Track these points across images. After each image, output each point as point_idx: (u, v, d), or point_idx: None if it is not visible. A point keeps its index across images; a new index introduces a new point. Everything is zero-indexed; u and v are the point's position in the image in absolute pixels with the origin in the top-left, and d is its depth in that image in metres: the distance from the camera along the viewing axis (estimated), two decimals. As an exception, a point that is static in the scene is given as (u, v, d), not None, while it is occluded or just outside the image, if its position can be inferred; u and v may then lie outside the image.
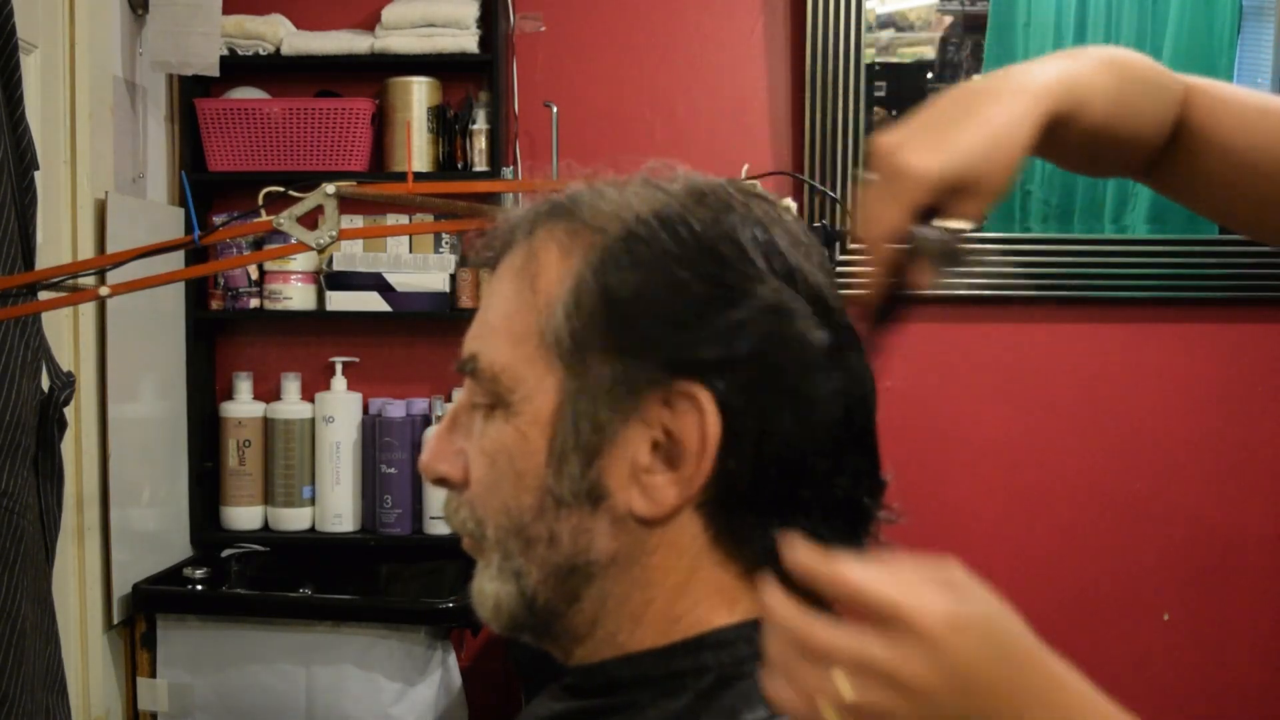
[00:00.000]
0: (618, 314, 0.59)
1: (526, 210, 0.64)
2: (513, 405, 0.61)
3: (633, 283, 0.59)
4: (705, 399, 0.58)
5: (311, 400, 2.30)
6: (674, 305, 0.58)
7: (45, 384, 1.51)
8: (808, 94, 2.26)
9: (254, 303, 2.29)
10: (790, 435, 0.59)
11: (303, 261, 2.25)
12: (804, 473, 0.59)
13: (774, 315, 0.59)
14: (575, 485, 0.59)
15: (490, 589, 0.63)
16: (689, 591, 0.61)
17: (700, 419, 0.58)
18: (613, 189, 0.63)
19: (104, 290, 1.16)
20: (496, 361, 0.61)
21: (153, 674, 2.04)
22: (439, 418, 2.25)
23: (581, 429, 0.59)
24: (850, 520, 0.62)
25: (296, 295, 2.26)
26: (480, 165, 2.24)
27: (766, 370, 0.58)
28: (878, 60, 2.30)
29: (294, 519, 2.29)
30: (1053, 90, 0.65)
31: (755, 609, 0.61)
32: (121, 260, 1.17)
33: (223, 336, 2.41)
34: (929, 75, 2.34)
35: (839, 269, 2.27)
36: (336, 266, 2.26)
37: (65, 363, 1.80)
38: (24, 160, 1.47)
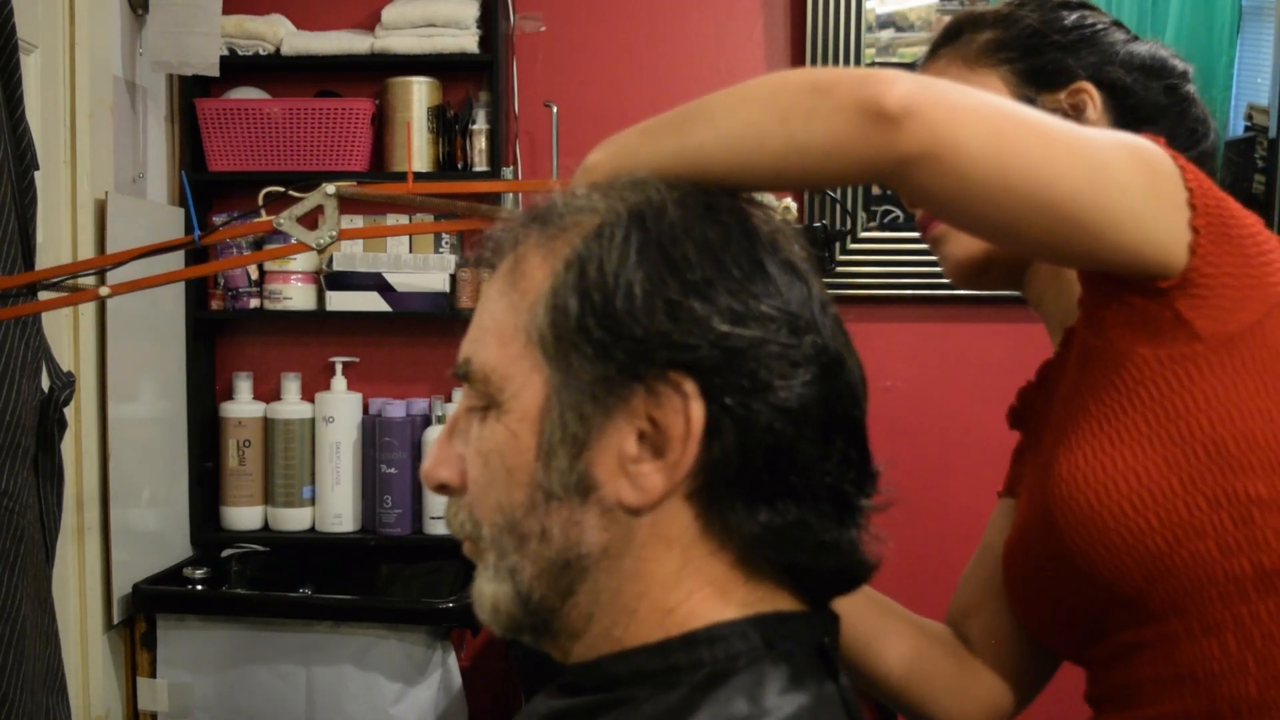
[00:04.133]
0: (594, 306, 0.59)
1: (516, 218, 0.66)
2: (503, 404, 0.62)
3: (607, 275, 0.60)
4: (688, 386, 0.58)
5: (311, 400, 2.30)
6: (649, 296, 0.59)
7: (45, 384, 1.51)
8: (808, 94, 2.25)
9: (254, 303, 2.29)
10: (774, 421, 0.59)
11: (303, 261, 2.25)
12: (791, 459, 0.60)
13: (750, 304, 0.60)
14: (564, 479, 0.60)
15: (488, 590, 0.64)
16: (681, 583, 0.61)
17: (684, 406, 0.58)
18: (593, 189, 0.65)
19: (104, 290, 1.16)
20: (487, 363, 0.63)
21: (153, 674, 2.04)
22: (439, 418, 2.25)
23: (567, 422, 0.60)
24: (839, 508, 0.62)
25: (296, 295, 2.26)
26: (480, 165, 2.24)
27: (747, 357, 0.59)
28: (878, 60, 2.30)
29: (294, 519, 2.29)
30: (602, 166, 0.71)
31: (749, 602, 0.62)
32: (121, 260, 1.17)
33: (223, 336, 2.41)
34: (929, 75, 2.33)
35: (838, 268, 2.28)
36: (336, 266, 2.26)
37: (65, 363, 1.80)
38: (24, 160, 1.47)
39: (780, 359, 0.59)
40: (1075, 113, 0.91)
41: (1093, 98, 0.91)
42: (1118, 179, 0.70)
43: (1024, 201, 0.68)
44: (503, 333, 0.63)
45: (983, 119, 0.67)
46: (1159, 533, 0.74)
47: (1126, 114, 0.92)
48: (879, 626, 0.97)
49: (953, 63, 0.95)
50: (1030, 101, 0.91)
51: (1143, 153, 0.72)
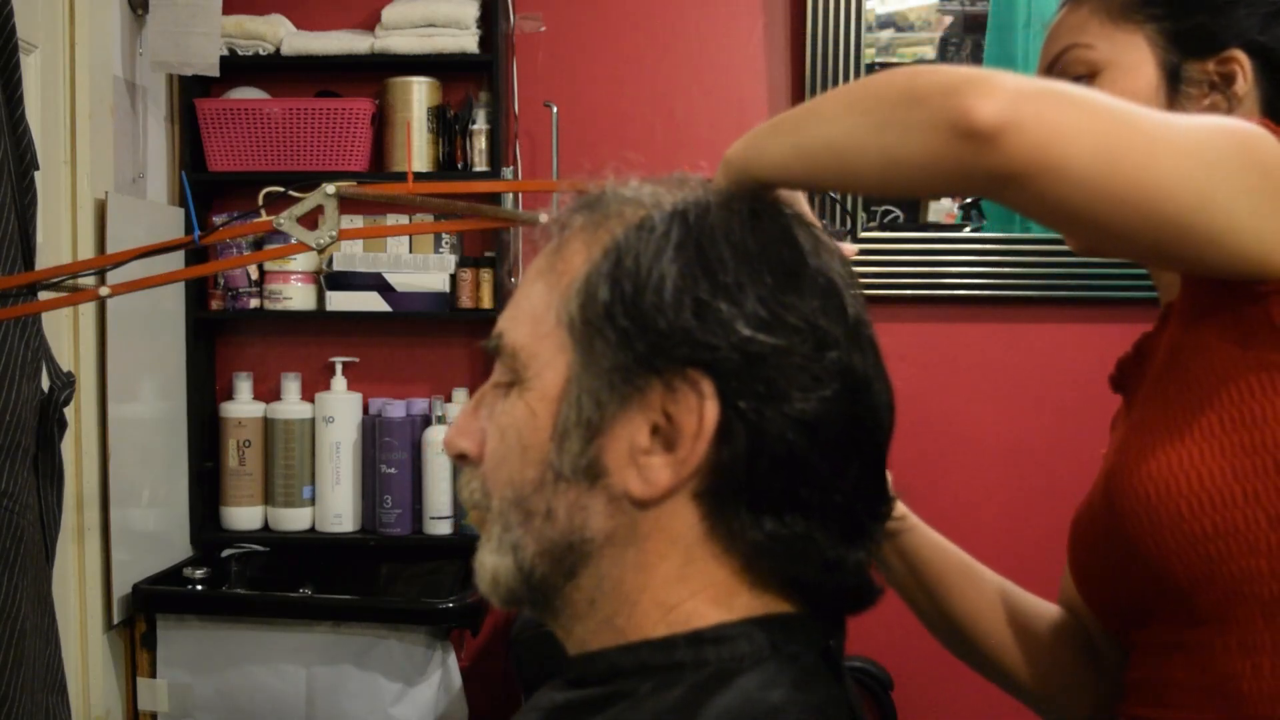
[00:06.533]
0: (623, 295, 0.60)
1: (568, 205, 0.68)
2: (526, 381, 0.63)
3: (641, 266, 0.60)
4: (705, 385, 0.59)
5: (311, 400, 2.30)
6: (679, 292, 0.59)
7: (45, 384, 1.51)
8: (807, 94, 2.25)
9: (254, 303, 2.29)
10: (787, 431, 0.59)
11: (303, 261, 2.25)
12: (801, 472, 0.60)
13: (778, 312, 0.60)
14: (575, 461, 0.61)
15: (490, 561, 0.65)
16: (684, 582, 0.61)
17: (699, 404, 0.59)
18: (642, 184, 0.67)
19: (104, 290, 1.16)
20: (517, 340, 0.64)
21: (153, 674, 2.04)
22: (439, 418, 2.25)
23: (584, 406, 0.61)
24: (848, 528, 0.62)
25: (296, 295, 2.26)
26: (480, 165, 2.24)
27: (767, 364, 0.59)
28: (878, 60, 2.30)
29: (294, 519, 2.29)
30: (735, 159, 0.71)
31: (753, 607, 0.62)
32: (121, 260, 1.17)
33: (223, 336, 2.41)
34: (929, 75, 2.33)
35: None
36: (336, 266, 2.26)
37: (65, 363, 1.80)
38: (24, 160, 1.47)
39: (801, 371, 0.59)
40: (1224, 82, 0.87)
41: (1243, 68, 0.86)
42: (1227, 184, 0.66)
43: (1131, 215, 0.65)
44: (536, 312, 0.64)
45: (1087, 131, 0.63)
46: (1212, 540, 0.72)
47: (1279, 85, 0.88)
48: (1013, 631, 1.03)
49: (1096, 13, 0.90)
50: (1175, 67, 0.87)
51: (1253, 148, 0.68)
